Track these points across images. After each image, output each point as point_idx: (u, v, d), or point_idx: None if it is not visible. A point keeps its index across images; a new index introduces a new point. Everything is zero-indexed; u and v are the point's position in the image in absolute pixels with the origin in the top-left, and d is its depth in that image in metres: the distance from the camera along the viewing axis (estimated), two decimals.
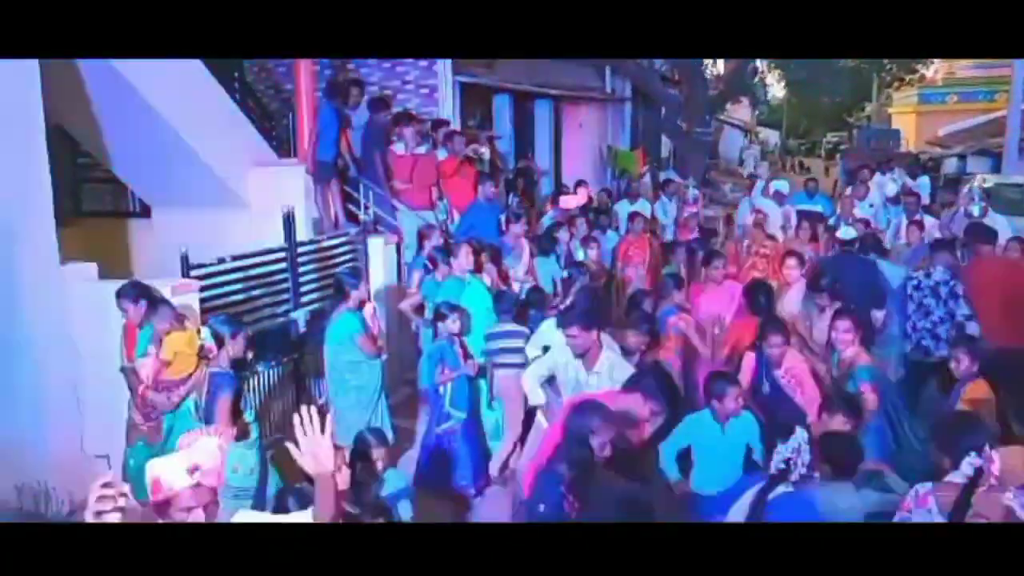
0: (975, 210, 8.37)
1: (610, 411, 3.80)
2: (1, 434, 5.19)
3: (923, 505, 3.26)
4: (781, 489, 3.55)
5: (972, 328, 6.21)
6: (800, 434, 3.64)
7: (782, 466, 3.57)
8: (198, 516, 2.54)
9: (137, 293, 5.27)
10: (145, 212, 8.53)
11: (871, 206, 11.23)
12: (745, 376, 5.45)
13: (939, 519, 3.22)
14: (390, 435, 6.03)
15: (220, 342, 4.62)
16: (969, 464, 3.20)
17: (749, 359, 5.50)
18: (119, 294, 5.29)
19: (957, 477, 3.24)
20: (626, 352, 5.34)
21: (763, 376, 5.42)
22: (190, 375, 5.15)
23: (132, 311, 5.26)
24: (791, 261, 7.00)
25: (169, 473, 2.55)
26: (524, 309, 6.54)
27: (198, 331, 5.09)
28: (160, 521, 2.54)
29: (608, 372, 4.87)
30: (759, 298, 6.10)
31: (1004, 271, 6.84)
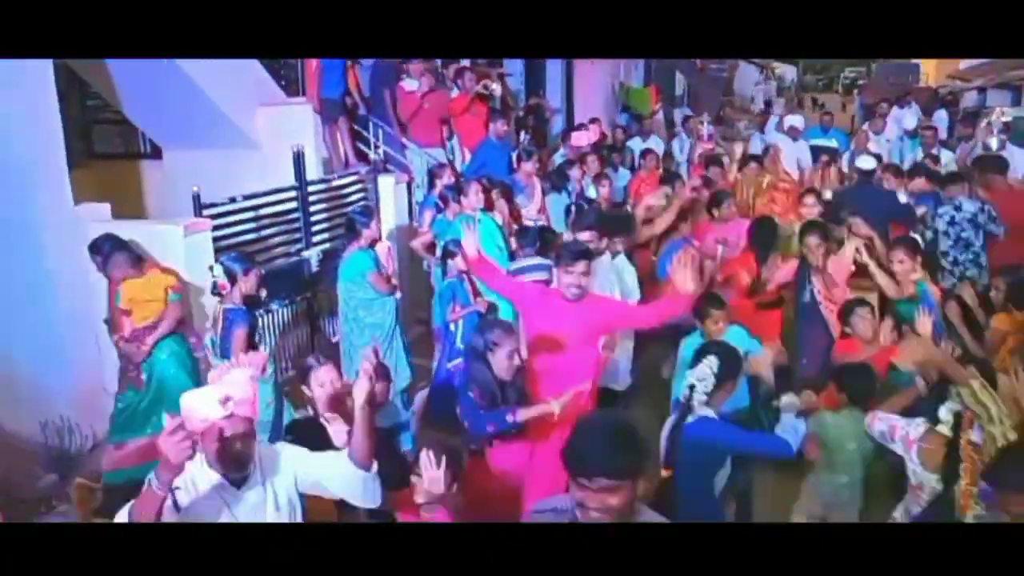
0: (993, 143, 8.24)
1: (508, 323, 3.87)
2: (24, 371, 5.31)
3: (909, 448, 3.17)
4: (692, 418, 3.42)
5: None
6: (710, 361, 3.46)
7: (687, 392, 3.44)
8: (236, 448, 2.61)
9: (111, 246, 5.18)
10: (156, 153, 8.55)
11: (887, 140, 11.10)
12: (782, 275, 5.56)
13: (918, 469, 3.16)
14: (407, 372, 6.16)
15: (233, 279, 4.68)
16: (947, 410, 3.04)
17: (792, 263, 5.59)
18: (90, 248, 5.23)
19: (945, 428, 3.10)
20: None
21: (803, 285, 5.50)
22: (157, 322, 5.10)
23: (99, 263, 5.22)
24: (809, 200, 6.83)
25: (202, 405, 2.60)
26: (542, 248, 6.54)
27: (213, 270, 5.10)
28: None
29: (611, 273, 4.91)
30: (760, 234, 6.02)
31: (1015, 202, 6.76)
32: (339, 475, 2.79)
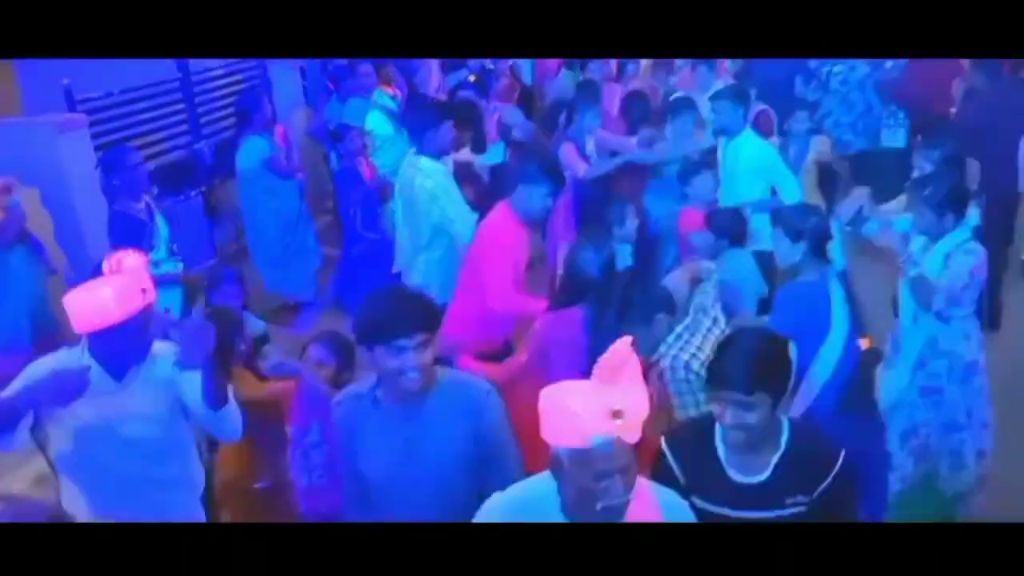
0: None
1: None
2: None
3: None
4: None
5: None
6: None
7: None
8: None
9: None
10: None
11: None
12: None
13: None
14: (317, 257, 6.19)
15: (111, 169, 4.40)
16: (851, 206, 3.62)
17: None
18: None
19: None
20: None
21: None
22: None
23: None
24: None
25: (116, 296, 2.44)
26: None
27: None
28: None
29: None
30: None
31: None
32: (198, 403, 2.64)
